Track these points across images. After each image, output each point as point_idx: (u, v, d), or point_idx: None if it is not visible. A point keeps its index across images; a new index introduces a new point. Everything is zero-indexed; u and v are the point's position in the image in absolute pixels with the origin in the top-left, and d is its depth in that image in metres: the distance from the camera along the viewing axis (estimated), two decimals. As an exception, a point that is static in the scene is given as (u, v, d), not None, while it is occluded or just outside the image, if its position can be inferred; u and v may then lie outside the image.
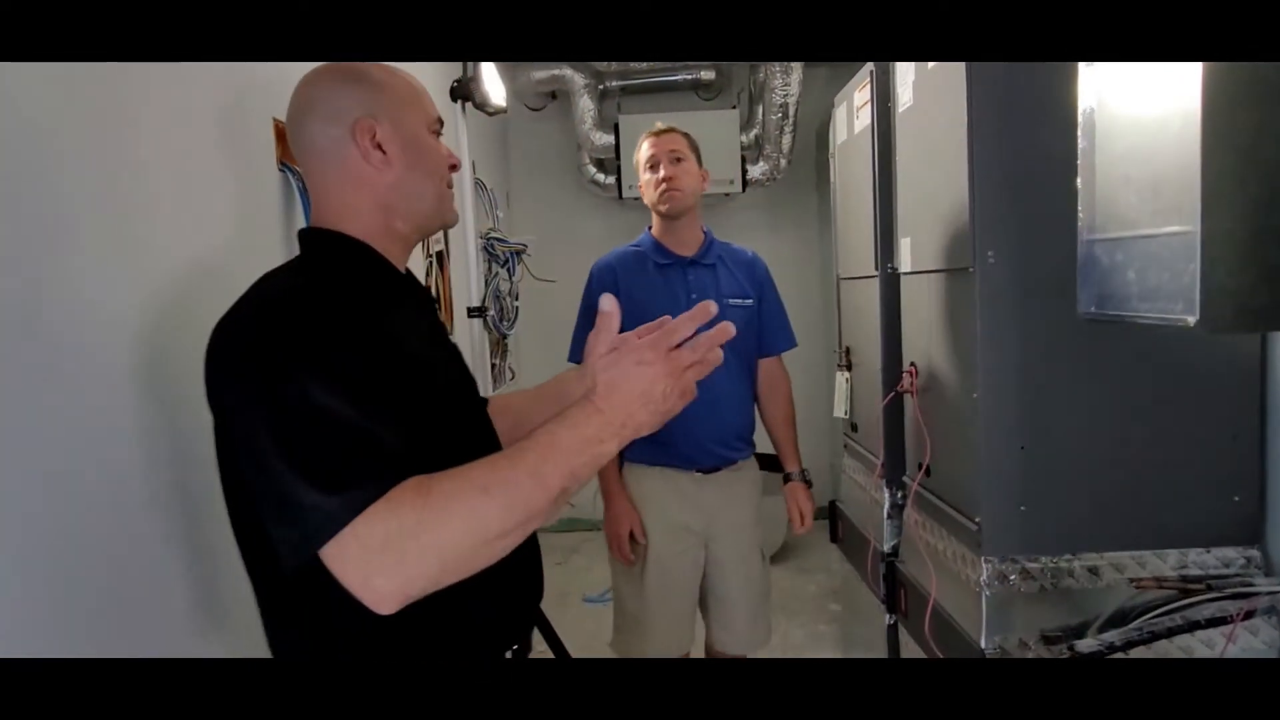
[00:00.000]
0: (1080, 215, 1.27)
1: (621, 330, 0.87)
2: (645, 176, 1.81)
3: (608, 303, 0.83)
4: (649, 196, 1.80)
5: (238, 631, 1.18)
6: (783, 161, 3.79)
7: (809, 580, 3.29)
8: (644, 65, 3.94)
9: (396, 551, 0.69)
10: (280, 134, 1.50)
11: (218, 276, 1.18)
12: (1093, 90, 1.24)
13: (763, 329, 1.89)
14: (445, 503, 0.71)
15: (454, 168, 1.02)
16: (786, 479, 1.91)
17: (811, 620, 2.90)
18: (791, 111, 3.67)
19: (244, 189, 1.41)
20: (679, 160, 1.78)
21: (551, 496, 0.75)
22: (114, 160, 1.07)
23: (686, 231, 1.82)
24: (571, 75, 3.80)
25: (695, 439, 1.76)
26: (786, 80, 3.60)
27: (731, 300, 1.81)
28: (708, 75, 4.01)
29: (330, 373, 0.75)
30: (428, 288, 0.89)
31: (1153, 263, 1.11)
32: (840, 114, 2.51)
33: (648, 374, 0.77)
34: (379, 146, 0.92)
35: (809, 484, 1.91)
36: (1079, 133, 1.27)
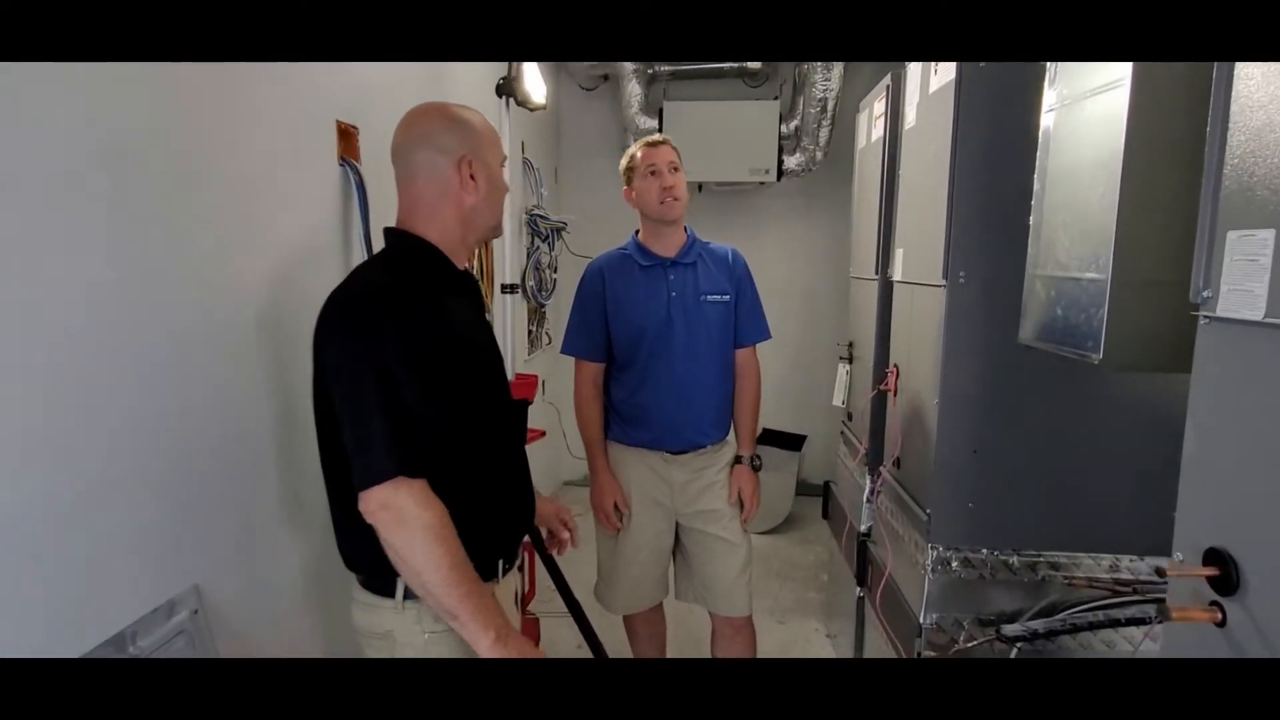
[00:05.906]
0: (1029, 251, 1.42)
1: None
2: (643, 183, 1.90)
3: None
4: (649, 201, 1.89)
5: (313, 526, 1.62)
6: (819, 154, 3.84)
7: (808, 550, 3.49)
8: (691, 51, 4.03)
9: (389, 515, 1.09)
10: (342, 133, 1.73)
11: (309, 250, 1.61)
12: (1045, 137, 1.37)
13: (738, 321, 1.99)
14: (422, 530, 1.08)
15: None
16: (738, 460, 2.04)
17: (802, 587, 3.12)
18: (830, 107, 3.71)
19: (318, 179, 1.68)
20: (677, 170, 1.90)
21: (442, 597, 1.10)
22: (240, 160, 1.41)
23: (672, 235, 1.94)
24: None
25: (666, 425, 1.93)
26: (827, 76, 3.66)
27: (710, 296, 1.93)
28: (753, 64, 4.08)
29: (402, 356, 1.10)
30: (474, 273, 1.20)
31: (1075, 304, 1.26)
32: (863, 120, 2.63)
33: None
34: (472, 177, 1.24)
35: (757, 469, 2.04)
36: (1035, 175, 1.41)
